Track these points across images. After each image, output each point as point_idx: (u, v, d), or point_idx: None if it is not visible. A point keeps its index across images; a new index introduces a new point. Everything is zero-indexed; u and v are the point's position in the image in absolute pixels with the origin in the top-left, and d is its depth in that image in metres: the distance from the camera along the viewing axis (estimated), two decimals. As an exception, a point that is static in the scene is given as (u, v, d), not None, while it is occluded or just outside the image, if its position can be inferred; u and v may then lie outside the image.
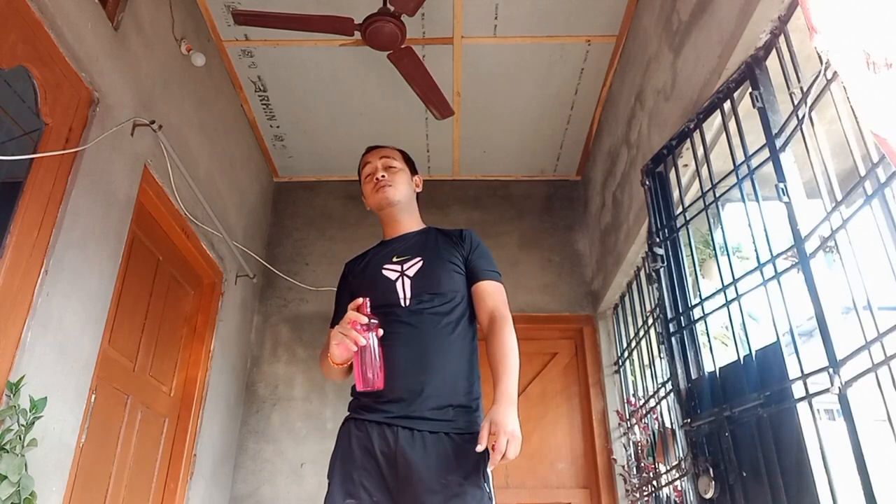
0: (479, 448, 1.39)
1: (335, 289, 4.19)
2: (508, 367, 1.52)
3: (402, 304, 1.63)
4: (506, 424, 1.38)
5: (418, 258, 1.71)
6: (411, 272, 1.69)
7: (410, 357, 1.56)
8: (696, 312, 2.24)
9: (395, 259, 1.74)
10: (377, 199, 1.81)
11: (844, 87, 1.15)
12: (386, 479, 1.49)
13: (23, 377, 1.77)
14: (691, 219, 2.31)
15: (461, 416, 1.54)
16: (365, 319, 1.49)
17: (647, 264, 3.07)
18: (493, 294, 1.69)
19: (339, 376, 1.68)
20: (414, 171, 1.93)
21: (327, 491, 1.51)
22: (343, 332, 1.48)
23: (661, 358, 2.98)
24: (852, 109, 1.52)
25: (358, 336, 1.46)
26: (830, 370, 1.54)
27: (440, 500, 1.41)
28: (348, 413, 1.64)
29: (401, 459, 1.47)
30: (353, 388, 1.63)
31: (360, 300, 1.53)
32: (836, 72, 1.60)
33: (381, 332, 1.51)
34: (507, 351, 1.55)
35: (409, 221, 1.84)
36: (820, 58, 1.66)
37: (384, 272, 1.72)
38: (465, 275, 1.72)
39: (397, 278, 1.69)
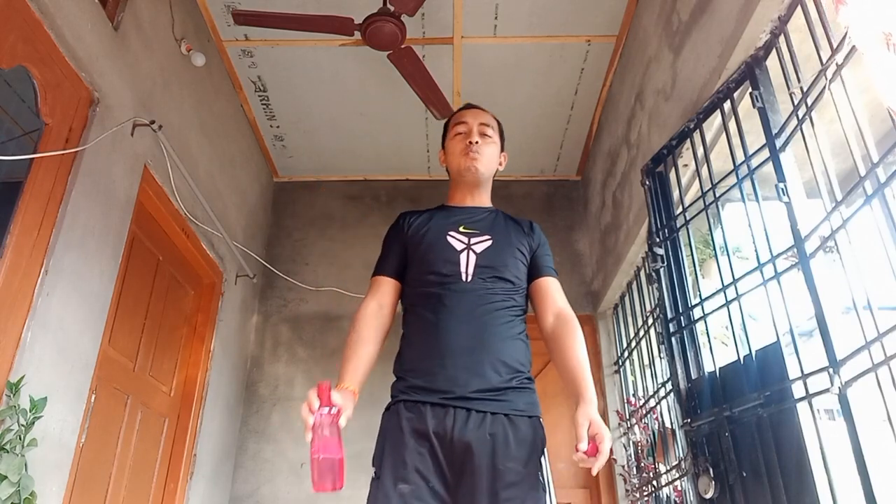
0: (582, 446, 1.26)
1: (335, 289, 4.14)
2: (587, 367, 1.46)
3: (463, 278, 1.54)
4: (605, 427, 1.30)
5: (488, 237, 1.62)
6: (478, 248, 1.60)
7: (468, 334, 1.47)
8: (696, 312, 2.24)
9: (462, 229, 1.64)
10: (463, 163, 1.69)
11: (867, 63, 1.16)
12: (441, 463, 1.39)
13: (23, 377, 1.77)
14: (691, 219, 2.31)
15: (520, 398, 1.45)
16: (316, 404, 1.25)
17: (647, 264, 3.07)
18: (560, 291, 1.65)
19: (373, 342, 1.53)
20: (503, 147, 1.83)
21: (375, 480, 1.39)
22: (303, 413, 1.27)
23: (661, 358, 2.97)
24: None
25: (307, 423, 1.25)
26: (830, 370, 1.54)
27: (499, 486, 1.34)
28: (394, 396, 1.50)
29: (457, 442, 1.38)
30: (398, 367, 1.55)
31: (324, 383, 1.29)
32: (836, 70, 1.60)
33: (342, 422, 1.30)
34: (584, 351, 1.50)
35: (482, 196, 1.76)
36: (820, 58, 1.66)
37: (449, 239, 1.62)
38: (527, 267, 1.66)
39: (463, 250, 1.59)
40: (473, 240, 1.61)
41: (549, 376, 3.86)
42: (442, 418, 1.40)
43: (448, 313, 1.49)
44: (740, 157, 2.04)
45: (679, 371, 2.23)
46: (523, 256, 1.65)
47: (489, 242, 1.61)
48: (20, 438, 1.70)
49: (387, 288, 1.64)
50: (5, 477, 1.62)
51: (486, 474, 1.34)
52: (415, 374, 1.48)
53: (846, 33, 1.55)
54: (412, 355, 1.52)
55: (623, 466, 3.45)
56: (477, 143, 1.69)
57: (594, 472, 1.29)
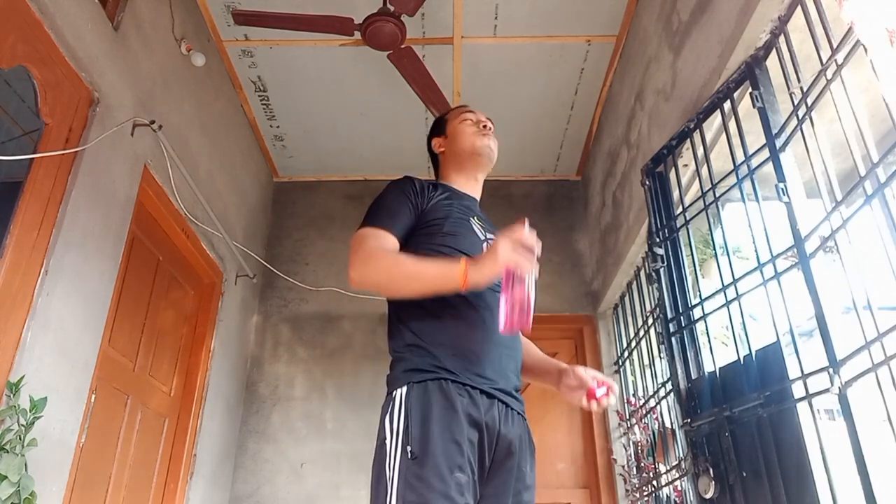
0: (612, 389, 1.43)
1: (335, 289, 4.10)
2: None
3: None
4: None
5: (494, 237, 1.53)
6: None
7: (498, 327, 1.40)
8: (696, 312, 2.24)
9: (476, 219, 1.55)
10: (480, 141, 1.61)
11: (870, 60, 1.17)
12: (485, 455, 1.29)
13: (23, 377, 1.77)
14: (691, 219, 2.31)
15: (522, 403, 1.43)
16: (532, 244, 1.21)
17: (647, 264, 3.07)
18: None
19: (406, 283, 1.31)
20: None
21: (420, 460, 1.19)
22: (521, 242, 1.19)
23: (661, 358, 2.97)
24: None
25: (536, 250, 1.20)
26: (830, 370, 1.54)
27: (521, 487, 1.32)
28: (426, 370, 1.31)
29: (502, 437, 1.31)
30: (420, 338, 1.36)
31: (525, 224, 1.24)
32: (836, 70, 1.60)
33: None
34: None
35: (480, 187, 1.67)
36: (820, 58, 1.66)
37: (472, 224, 1.52)
38: None
39: (483, 241, 1.50)
40: (488, 234, 1.56)
41: (549, 376, 3.87)
42: (489, 408, 1.31)
43: (481, 301, 1.39)
44: (740, 157, 2.04)
45: (679, 371, 2.23)
46: None
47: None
48: (20, 438, 1.70)
49: (391, 246, 1.41)
50: (5, 477, 1.62)
51: (514, 474, 1.33)
52: (455, 353, 1.33)
53: (846, 33, 1.55)
54: (444, 330, 1.36)
55: (623, 466, 3.45)
56: (491, 128, 1.65)
57: (613, 402, 1.39)
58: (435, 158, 1.76)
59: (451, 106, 3.23)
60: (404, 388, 1.30)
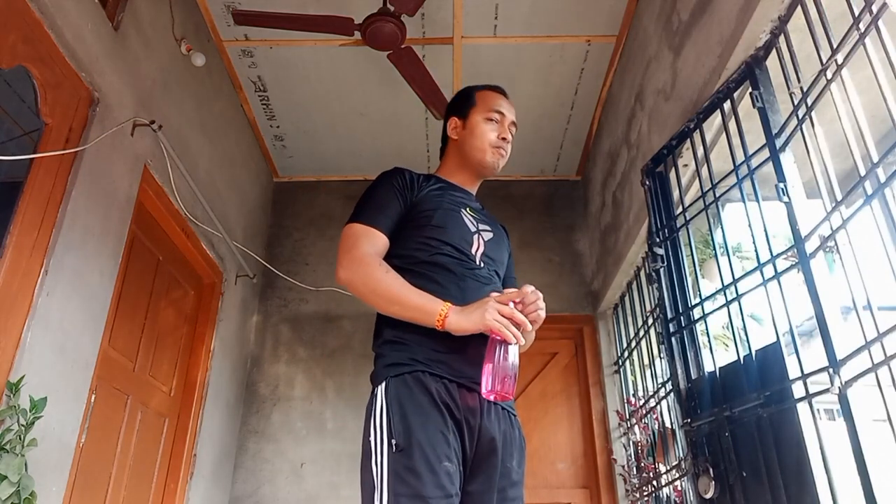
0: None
1: (335, 289, 4.10)
2: None
3: (477, 262, 1.47)
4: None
5: (488, 228, 1.56)
6: (485, 237, 1.53)
7: None
8: (696, 312, 2.24)
9: (468, 211, 1.54)
10: (491, 157, 1.60)
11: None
12: (466, 449, 1.28)
13: (23, 377, 1.77)
14: (691, 219, 2.31)
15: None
16: (522, 319, 1.25)
17: (647, 264, 3.07)
18: None
19: (387, 304, 1.32)
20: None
21: (406, 452, 1.19)
22: (508, 315, 1.23)
23: (661, 358, 2.97)
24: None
25: (519, 333, 1.22)
26: (830, 370, 1.54)
27: (506, 483, 1.32)
28: (403, 363, 1.31)
29: (484, 432, 1.30)
30: (399, 333, 1.36)
31: (517, 299, 1.27)
32: (836, 70, 1.60)
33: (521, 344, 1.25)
34: None
35: (477, 186, 1.67)
36: (820, 58, 1.66)
37: (463, 216, 1.51)
38: None
39: (475, 233, 1.51)
40: (481, 226, 1.55)
41: (549, 376, 3.87)
42: (470, 403, 1.30)
43: (465, 293, 1.39)
44: (740, 157, 2.04)
45: (679, 371, 2.23)
46: (508, 259, 1.65)
47: (491, 234, 1.57)
48: (20, 438, 1.70)
49: (382, 247, 1.44)
50: (5, 477, 1.62)
51: (498, 470, 1.32)
52: (433, 347, 1.32)
53: (846, 32, 1.55)
54: (422, 326, 1.34)
55: (623, 466, 3.45)
56: (508, 139, 1.64)
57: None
58: (445, 137, 1.70)
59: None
60: (384, 384, 1.31)
